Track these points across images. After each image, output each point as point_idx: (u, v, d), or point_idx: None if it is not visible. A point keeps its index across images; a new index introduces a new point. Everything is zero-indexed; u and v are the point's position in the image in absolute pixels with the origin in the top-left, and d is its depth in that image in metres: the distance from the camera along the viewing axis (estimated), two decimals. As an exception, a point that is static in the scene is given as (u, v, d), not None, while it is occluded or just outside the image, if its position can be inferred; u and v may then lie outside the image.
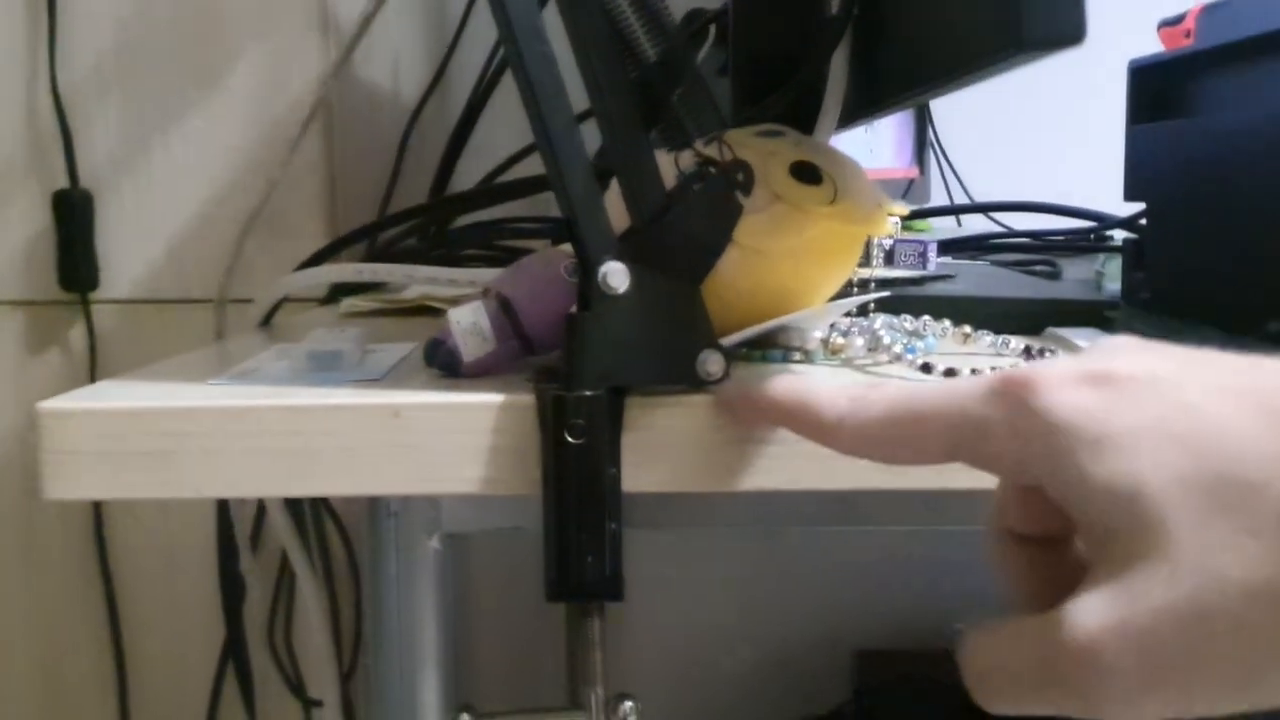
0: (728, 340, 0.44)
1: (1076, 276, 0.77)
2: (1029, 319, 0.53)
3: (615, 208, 0.42)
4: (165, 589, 0.97)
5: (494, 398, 0.40)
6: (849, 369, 0.46)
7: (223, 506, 0.91)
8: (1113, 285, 0.67)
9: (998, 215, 1.06)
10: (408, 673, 0.49)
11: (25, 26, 0.89)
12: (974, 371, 0.42)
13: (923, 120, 1.21)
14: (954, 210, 1.07)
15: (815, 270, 0.46)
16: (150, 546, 0.96)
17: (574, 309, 0.40)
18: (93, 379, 0.91)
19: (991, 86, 1.22)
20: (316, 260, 0.72)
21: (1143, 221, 0.62)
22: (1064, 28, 0.33)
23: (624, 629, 1.23)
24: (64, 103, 0.89)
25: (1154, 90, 0.61)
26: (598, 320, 0.39)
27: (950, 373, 0.42)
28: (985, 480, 0.31)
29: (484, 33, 1.02)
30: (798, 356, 0.47)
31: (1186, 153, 0.55)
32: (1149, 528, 0.26)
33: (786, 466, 0.41)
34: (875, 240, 0.64)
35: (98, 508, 0.95)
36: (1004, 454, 0.29)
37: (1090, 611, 0.27)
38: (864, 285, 0.56)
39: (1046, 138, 1.24)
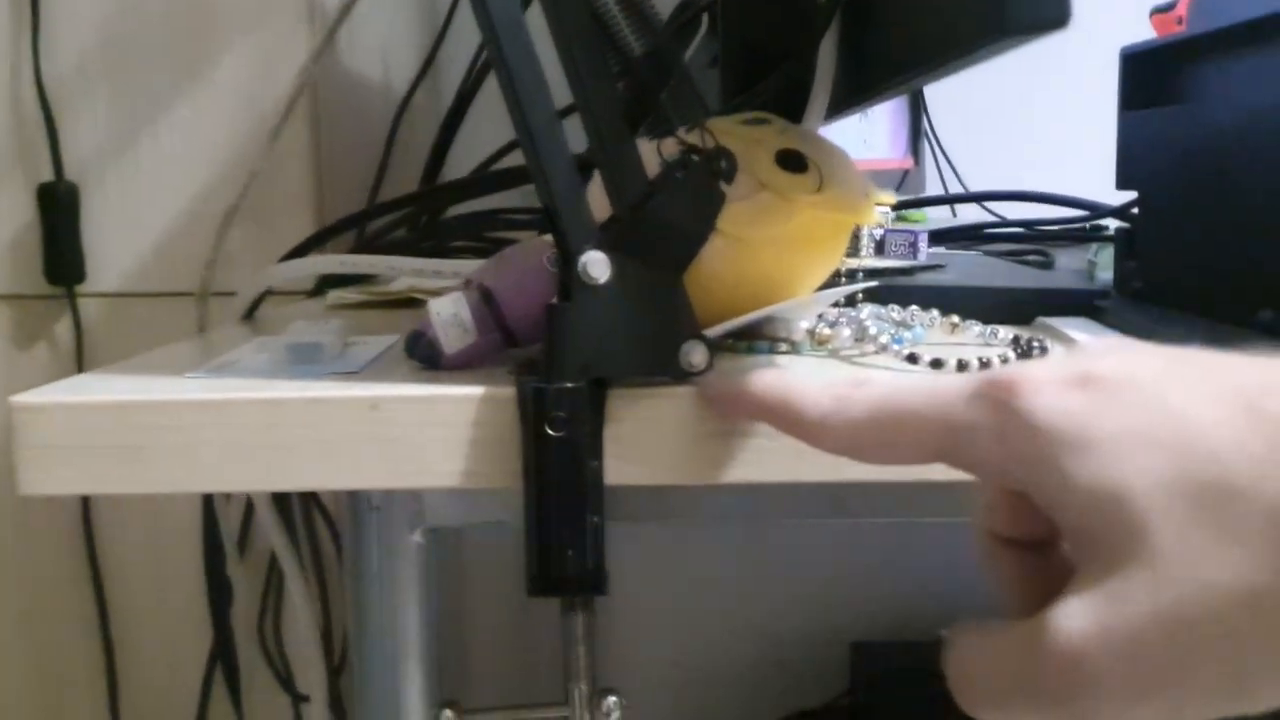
0: (712, 331, 0.44)
1: (1070, 266, 0.77)
2: (1019, 309, 0.53)
3: (598, 199, 0.41)
4: (155, 583, 0.96)
5: (474, 390, 0.40)
6: (835, 360, 0.45)
7: (208, 509, 0.90)
8: (1105, 275, 0.66)
9: (992, 205, 1.06)
10: (391, 668, 0.48)
11: (8, 18, 0.88)
12: (960, 362, 0.41)
13: (917, 110, 1.21)
14: (947, 200, 1.07)
15: (800, 259, 0.46)
16: (140, 541, 0.96)
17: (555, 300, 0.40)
18: (80, 373, 0.91)
19: (987, 75, 1.22)
20: (301, 251, 0.71)
21: (1135, 210, 0.61)
22: (1048, 12, 0.32)
23: (621, 623, 1.22)
24: (48, 94, 0.88)
25: (1146, 77, 0.60)
26: (578, 311, 0.39)
27: (936, 363, 0.41)
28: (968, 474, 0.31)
29: (474, 21, 1.01)
30: (784, 347, 0.47)
31: (1177, 140, 0.55)
32: (1132, 533, 0.26)
33: (771, 459, 0.40)
34: (865, 230, 0.64)
35: (86, 503, 0.95)
36: (988, 457, 0.29)
37: (1073, 617, 0.26)
38: (852, 275, 0.55)
39: (1043, 127, 1.23)
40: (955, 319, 0.48)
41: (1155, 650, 0.26)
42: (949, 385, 0.30)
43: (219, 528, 0.86)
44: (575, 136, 0.40)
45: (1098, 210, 0.87)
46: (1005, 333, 0.47)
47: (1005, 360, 0.42)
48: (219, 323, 0.67)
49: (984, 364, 0.41)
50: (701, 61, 0.85)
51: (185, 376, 0.43)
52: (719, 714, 1.26)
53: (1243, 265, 0.49)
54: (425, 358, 0.43)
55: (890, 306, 0.51)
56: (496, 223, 0.87)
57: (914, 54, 0.45)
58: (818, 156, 0.46)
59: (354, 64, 1.00)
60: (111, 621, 0.96)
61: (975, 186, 1.17)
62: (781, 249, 0.45)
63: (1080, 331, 0.48)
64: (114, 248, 0.91)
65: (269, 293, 0.65)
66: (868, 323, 0.46)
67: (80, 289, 0.91)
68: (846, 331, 0.46)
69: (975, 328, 0.48)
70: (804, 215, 0.44)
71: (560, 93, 0.40)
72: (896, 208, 0.98)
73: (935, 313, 0.49)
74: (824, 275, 0.48)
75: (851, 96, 0.57)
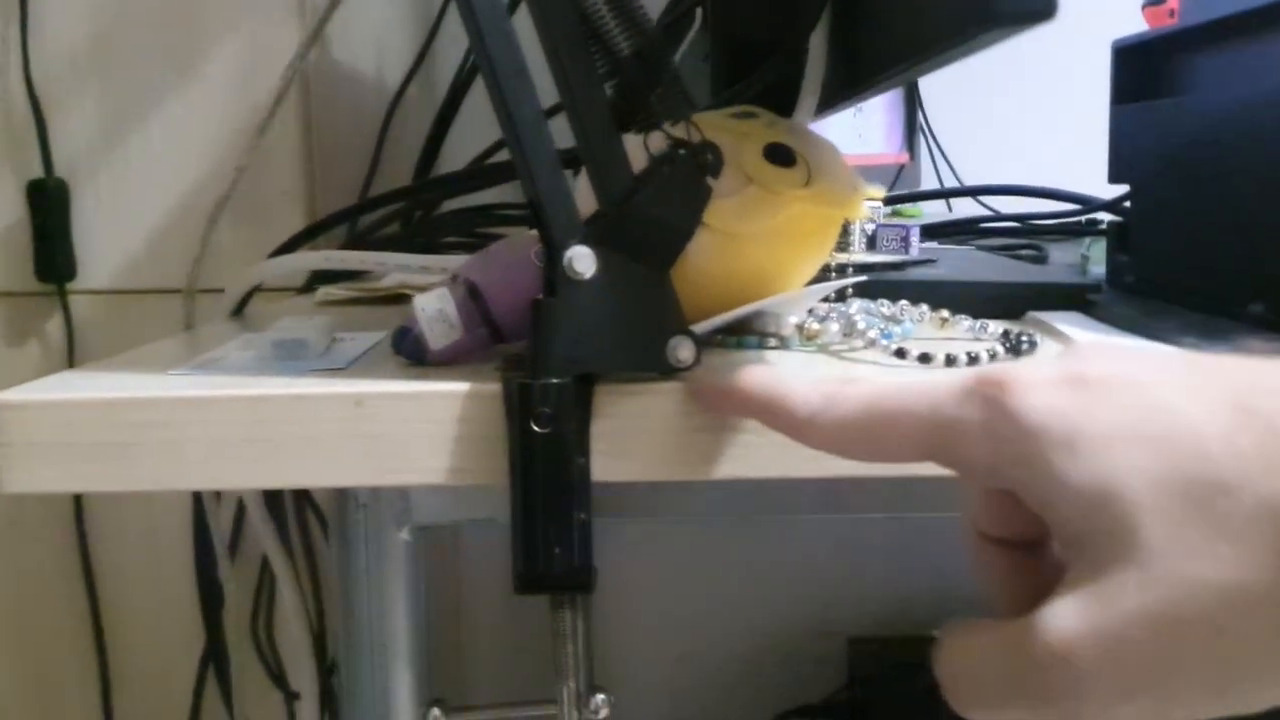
0: (701, 326, 0.43)
1: (1064, 260, 0.77)
2: (1010, 303, 0.53)
3: (586, 195, 0.41)
4: (148, 582, 0.96)
5: (459, 386, 0.39)
6: (825, 355, 0.45)
7: (198, 512, 0.90)
8: (1098, 268, 0.66)
9: (986, 199, 1.05)
10: (380, 666, 0.48)
11: (-3, 14, 0.88)
12: (949, 357, 0.41)
13: (913, 105, 1.20)
14: (941, 194, 1.06)
15: (789, 254, 0.45)
16: (133, 540, 0.95)
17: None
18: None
19: (983, 69, 1.21)
20: (291, 247, 0.71)
21: (1127, 204, 0.61)
22: (1035, 3, 0.32)
23: (619, 620, 1.22)
24: (38, 91, 0.88)
25: (1137, 71, 0.60)
26: (564, 306, 0.39)
27: (924, 358, 0.41)
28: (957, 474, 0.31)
29: (467, 16, 1.01)
30: (773, 342, 0.46)
31: (1169, 133, 0.55)
32: (1122, 531, 0.26)
33: (759, 455, 0.40)
34: (857, 225, 0.64)
35: (78, 502, 0.94)
36: (977, 456, 0.29)
37: (1063, 617, 0.26)
38: (842, 270, 0.55)
39: (1039, 121, 1.23)
40: (945, 314, 0.48)
41: (1143, 648, 0.26)
42: (939, 384, 0.30)
43: (209, 531, 0.86)
44: (563, 133, 0.40)
45: (1090, 204, 0.86)
46: (995, 327, 0.46)
47: (994, 355, 0.41)
48: (209, 319, 0.67)
49: (972, 359, 0.41)
50: (695, 56, 0.85)
51: (169, 374, 0.43)
52: (717, 709, 1.25)
53: (1234, 258, 0.49)
54: (411, 354, 0.43)
55: (880, 301, 0.50)
56: (489, 218, 0.86)
57: (903, 47, 0.44)
58: (806, 150, 0.45)
59: (346, 58, 0.99)
60: (104, 620, 0.96)
61: (971, 181, 1.16)
62: (770, 244, 0.44)
63: (1071, 326, 0.48)
64: (105, 245, 0.91)
65: (259, 289, 0.65)
66: (857, 318, 0.46)
67: (71, 286, 0.91)
68: (835, 326, 0.45)
69: (965, 322, 0.47)
70: (792, 210, 0.44)
71: (548, 92, 0.39)
72: (890, 202, 0.97)
73: (925, 307, 0.49)
74: (813, 270, 0.47)
75: (843, 90, 0.57)
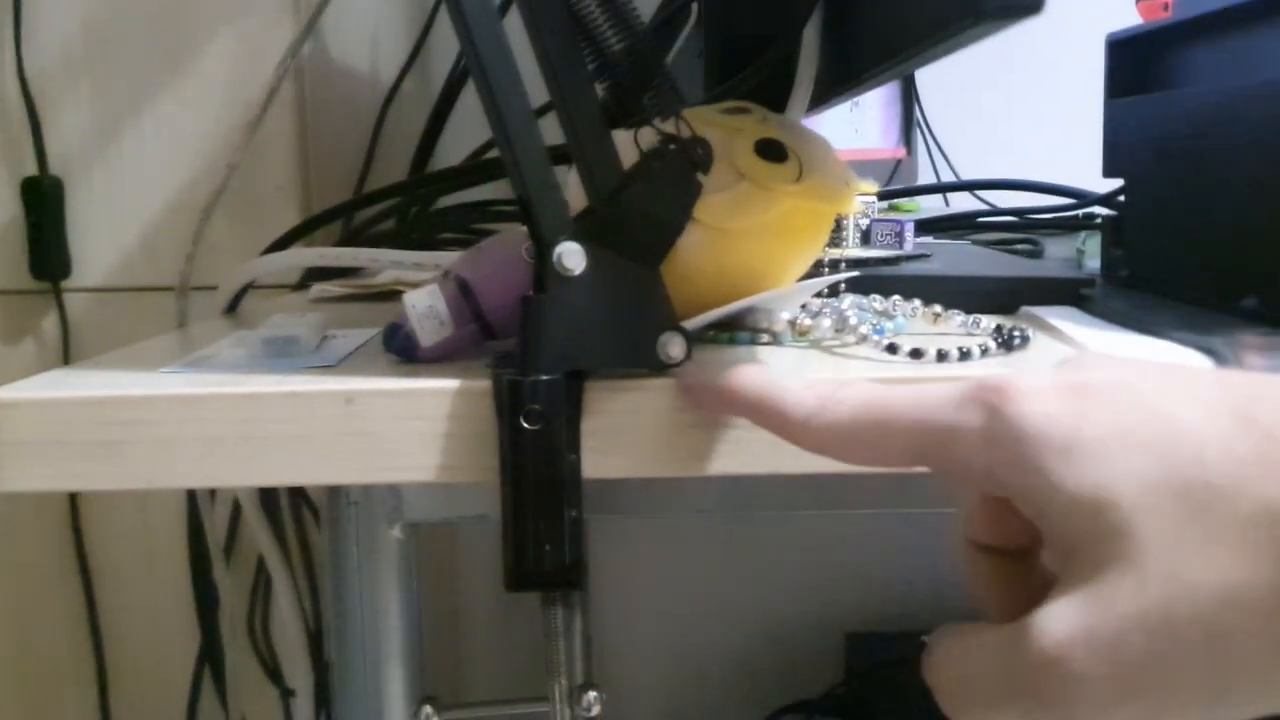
0: (693, 322, 0.43)
1: (1060, 255, 0.77)
2: (1004, 298, 0.52)
3: (578, 192, 0.41)
4: (144, 580, 0.96)
5: (449, 383, 0.39)
6: (817, 350, 0.45)
7: (192, 513, 0.90)
8: (1093, 263, 0.66)
9: (983, 194, 1.05)
10: (373, 664, 0.48)
11: (-9, 11, 0.88)
12: (940, 352, 0.41)
13: (909, 100, 1.20)
14: (936, 189, 1.06)
15: (781, 249, 0.45)
16: (129, 538, 0.95)
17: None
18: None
19: (979, 64, 1.21)
20: (285, 243, 0.70)
21: (1121, 198, 0.61)
22: (1022, -2, 0.32)
23: (617, 616, 1.22)
24: (31, 88, 0.88)
25: (1132, 64, 0.60)
26: (554, 302, 0.38)
27: (916, 353, 0.41)
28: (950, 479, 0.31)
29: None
30: (765, 338, 0.46)
31: (1162, 127, 0.55)
32: (1118, 535, 0.26)
33: (750, 451, 0.40)
34: (851, 220, 0.64)
35: (74, 500, 0.94)
36: (973, 461, 0.29)
37: (1058, 619, 0.26)
38: (835, 265, 0.55)
39: (1036, 116, 1.23)
40: (938, 309, 0.48)
41: (1139, 652, 0.26)
42: (937, 390, 0.30)
43: (204, 531, 0.85)
44: (553, 130, 0.40)
45: (1085, 198, 0.86)
46: (988, 322, 0.46)
47: (986, 350, 0.41)
48: (203, 317, 0.67)
49: (964, 354, 0.41)
50: (691, 52, 0.85)
51: (160, 371, 0.43)
52: (715, 706, 1.26)
53: (1227, 252, 0.49)
54: (402, 351, 0.43)
55: (873, 297, 0.50)
56: (485, 214, 0.86)
57: (894, 42, 0.44)
58: (798, 145, 0.45)
59: (341, 53, 0.99)
60: (101, 618, 0.96)
61: (969, 176, 1.16)
62: (762, 239, 0.44)
63: (1065, 321, 0.48)
64: (100, 242, 0.90)
65: (252, 286, 0.65)
66: (849, 313, 0.46)
67: (66, 284, 0.91)
68: (827, 322, 0.45)
69: (958, 317, 0.47)
70: (784, 205, 0.44)
71: (538, 91, 0.39)
72: (885, 197, 0.97)
73: (918, 303, 0.49)
74: (805, 265, 0.47)
75: (836, 85, 0.57)
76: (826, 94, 0.58)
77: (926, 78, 1.19)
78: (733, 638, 1.25)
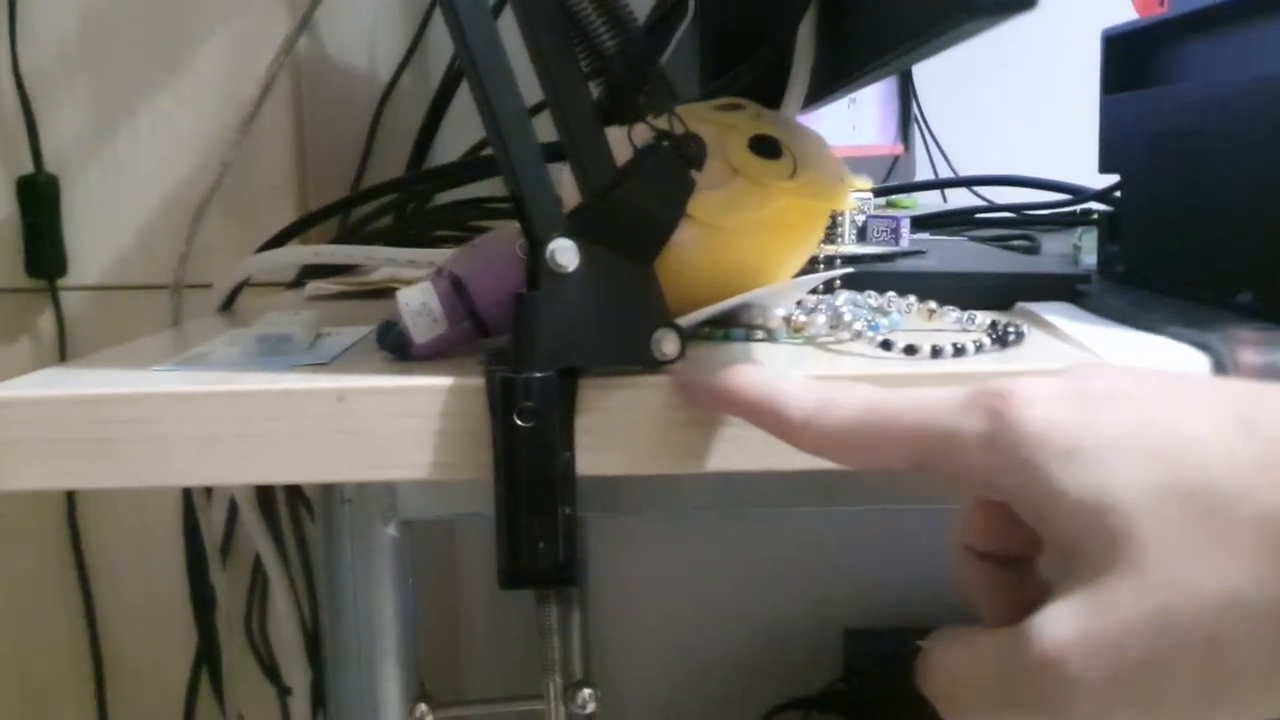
0: (688, 319, 0.43)
1: (1057, 251, 0.77)
2: (1000, 294, 0.52)
3: (570, 188, 0.40)
4: (141, 579, 0.96)
5: (442, 381, 0.39)
6: (811, 347, 0.45)
7: (188, 514, 0.90)
8: (1089, 259, 0.66)
9: (981, 190, 1.05)
10: (367, 662, 0.48)
11: (-15, 9, 0.88)
12: (934, 348, 0.41)
13: (907, 97, 1.20)
14: (932, 185, 1.06)
15: (775, 246, 0.45)
16: (126, 537, 0.95)
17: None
18: (64, 366, 0.90)
19: (977, 60, 1.20)
20: (281, 241, 0.70)
21: (1118, 194, 0.61)
22: (1016, -8, 0.32)
23: (615, 613, 1.22)
24: (26, 85, 0.88)
25: (1128, 60, 0.60)
26: (547, 299, 0.38)
27: (910, 350, 0.41)
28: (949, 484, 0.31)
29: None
30: (760, 335, 0.46)
31: (1157, 122, 0.54)
32: (1119, 539, 0.26)
33: (745, 448, 0.40)
34: (847, 216, 0.63)
35: (70, 500, 0.94)
36: (973, 466, 0.29)
37: (1057, 622, 0.26)
38: (830, 262, 0.55)
39: (1034, 112, 1.23)
40: (933, 305, 0.48)
41: (1138, 655, 0.26)
42: (938, 394, 0.30)
43: (200, 533, 0.85)
44: (547, 128, 0.39)
45: (1081, 194, 0.86)
46: (983, 318, 0.46)
47: (980, 346, 0.41)
48: (199, 315, 0.67)
49: (958, 350, 0.41)
50: (689, 47, 0.84)
51: (152, 370, 0.43)
52: (714, 702, 1.26)
53: (1223, 247, 0.49)
54: (395, 348, 0.43)
55: (868, 293, 0.50)
56: (482, 211, 0.86)
57: (888, 37, 0.44)
58: (792, 141, 0.45)
59: (338, 49, 0.99)
60: (98, 616, 0.96)
61: (968, 172, 1.16)
62: (756, 236, 0.44)
63: (1060, 317, 0.48)
64: (96, 240, 0.90)
65: (249, 284, 0.65)
66: (844, 309, 0.46)
67: (62, 282, 0.91)
68: (822, 319, 0.45)
69: (953, 314, 0.47)
70: (778, 202, 0.44)
71: (532, 90, 0.39)
72: (882, 193, 0.97)
73: (913, 299, 0.49)
74: (800, 262, 0.47)
75: (831, 82, 0.57)
76: (822, 90, 0.58)
77: (924, 74, 1.19)
78: (732, 634, 1.25)
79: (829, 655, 1.22)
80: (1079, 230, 0.70)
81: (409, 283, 0.65)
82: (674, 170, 0.40)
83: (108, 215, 0.90)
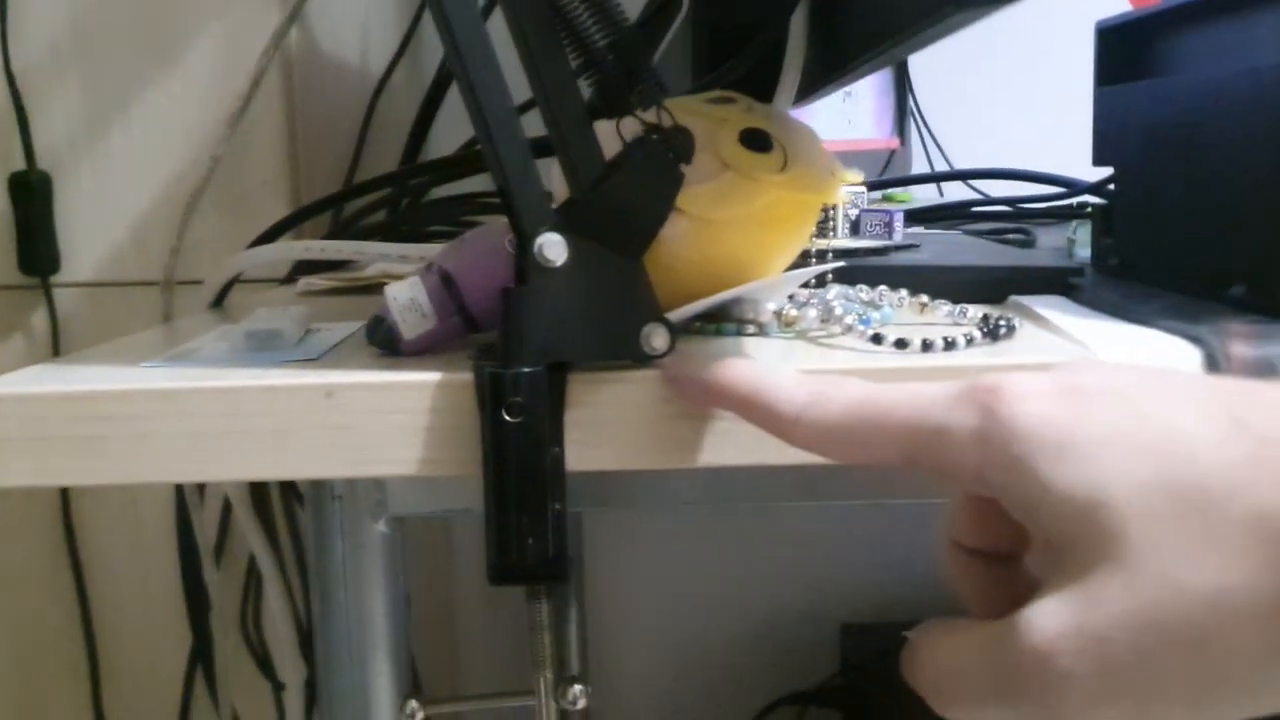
0: (679, 313, 0.43)
1: (1051, 244, 0.76)
2: (992, 287, 0.52)
3: (559, 183, 0.40)
4: (136, 576, 0.96)
5: (430, 376, 0.39)
6: (803, 341, 0.44)
7: (181, 514, 0.90)
8: (1083, 252, 0.66)
9: (977, 183, 1.05)
10: (358, 659, 0.48)
11: (-24, 5, 0.87)
12: (925, 342, 0.40)
13: (903, 90, 1.20)
14: (927, 179, 1.06)
15: (766, 240, 0.45)
16: (121, 535, 0.95)
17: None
18: (57, 363, 0.90)
19: (974, 53, 1.20)
20: (272, 236, 0.70)
21: (1111, 187, 0.61)
22: (1005, -18, 0.32)
23: (612, 609, 1.22)
24: (18, 82, 0.87)
25: (1122, 51, 0.59)
26: (535, 294, 0.38)
27: (901, 343, 0.41)
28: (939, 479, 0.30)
29: None
30: (751, 329, 0.46)
31: (1151, 115, 0.54)
32: (1109, 535, 0.26)
33: (735, 442, 0.39)
34: (841, 210, 0.63)
35: (65, 497, 0.94)
36: (964, 461, 0.29)
37: (1046, 617, 0.26)
38: (822, 256, 0.54)
39: (1031, 104, 1.22)
40: (924, 299, 0.48)
41: (1126, 651, 0.26)
42: (929, 389, 0.30)
43: (193, 529, 0.85)
44: (535, 124, 0.39)
45: (1075, 187, 0.86)
46: (974, 311, 0.46)
47: (971, 340, 0.41)
48: (190, 312, 0.66)
49: (949, 344, 0.40)
50: (685, 41, 0.84)
51: (141, 366, 0.43)
52: (711, 698, 1.26)
53: (1216, 240, 0.49)
54: (384, 344, 0.43)
55: (859, 287, 0.50)
56: (474, 206, 0.86)
57: (880, 29, 0.44)
58: (783, 135, 0.45)
59: (330, 44, 0.99)
60: (93, 613, 0.96)
61: (964, 165, 1.16)
62: (747, 230, 0.44)
63: (1052, 310, 0.48)
64: (89, 237, 0.90)
65: (241, 280, 0.64)
66: (835, 303, 0.45)
67: (55, 279, 0.90)
68: (813, 313, 0.45)
69: (944, 307, 0.47)
70: (769, 196, 0.43)
71: (522, 88, 0.39)
72: (876, 187, 0.97)
73: (904, 292, 0.49)
74: (792, 256, 0.47)
75: (824, 75, 0.56)
76: (815, 84, 0.58)
77: (920, 68, 1.18)
78: (729, 630, 1.24)
79: (826, 650, 1.22)
80: (1074, 223, 0.70)
81: (401, 278, 0.65)
82: (662, 164, 0.39)
83: (100, 211, 0.90)
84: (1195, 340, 0.40)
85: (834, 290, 0.50)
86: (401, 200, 0.88)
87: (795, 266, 0.48)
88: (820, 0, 0.55)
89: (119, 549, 0.95)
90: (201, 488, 0.86)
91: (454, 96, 1.01)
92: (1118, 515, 0.26)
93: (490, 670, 1.23)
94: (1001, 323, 0.42)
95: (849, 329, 0.44)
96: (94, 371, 0.42)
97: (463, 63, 0.37)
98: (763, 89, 0.54)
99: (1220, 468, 0.26)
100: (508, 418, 0.38)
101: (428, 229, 0.83)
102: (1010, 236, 0.78)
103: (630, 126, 0.40)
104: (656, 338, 0.39)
